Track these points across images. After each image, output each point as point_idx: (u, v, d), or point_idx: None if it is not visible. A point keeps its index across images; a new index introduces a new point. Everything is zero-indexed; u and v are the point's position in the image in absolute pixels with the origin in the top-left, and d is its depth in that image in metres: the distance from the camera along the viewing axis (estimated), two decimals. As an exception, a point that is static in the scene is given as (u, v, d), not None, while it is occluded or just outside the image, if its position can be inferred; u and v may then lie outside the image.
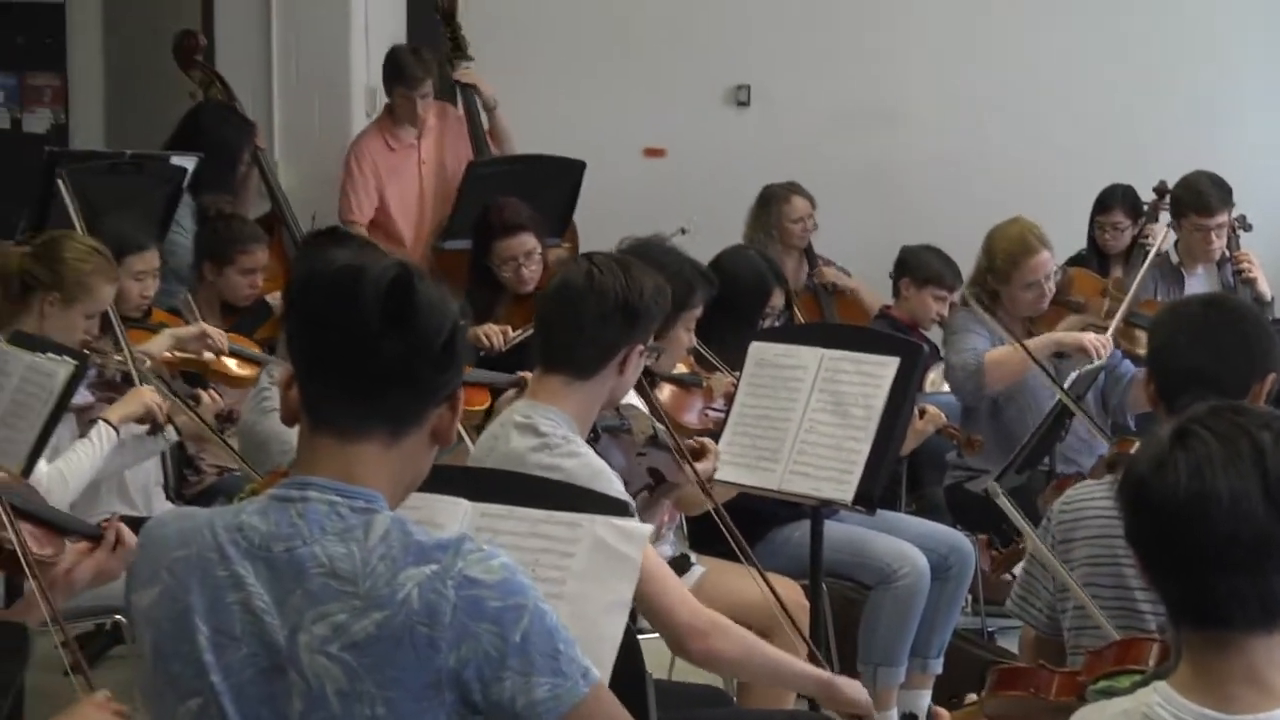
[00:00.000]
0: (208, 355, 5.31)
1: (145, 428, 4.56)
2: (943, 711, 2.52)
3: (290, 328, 2.31)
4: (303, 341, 2.27)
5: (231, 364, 5.44)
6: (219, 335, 5.33)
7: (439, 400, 2.26)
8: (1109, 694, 2.25)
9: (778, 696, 4.24)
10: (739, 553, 3.82)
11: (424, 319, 2.21)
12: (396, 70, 7.17)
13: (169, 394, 4.93)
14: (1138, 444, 2.70)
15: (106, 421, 4.40)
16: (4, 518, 2.77)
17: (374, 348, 2.19)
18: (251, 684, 2.17)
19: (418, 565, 2.15)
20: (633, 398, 3.87)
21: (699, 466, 3.88)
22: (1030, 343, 5.42)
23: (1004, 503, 3.37)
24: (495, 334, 5.73)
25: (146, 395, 4.48)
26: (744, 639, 3.36)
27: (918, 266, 6.32)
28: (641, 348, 3.50)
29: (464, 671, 2.13)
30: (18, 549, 2.77)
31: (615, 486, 3.40)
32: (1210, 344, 3.22)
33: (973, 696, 2.90)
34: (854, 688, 3.36)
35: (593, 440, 3.58)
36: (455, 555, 2.16)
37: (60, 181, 5.06)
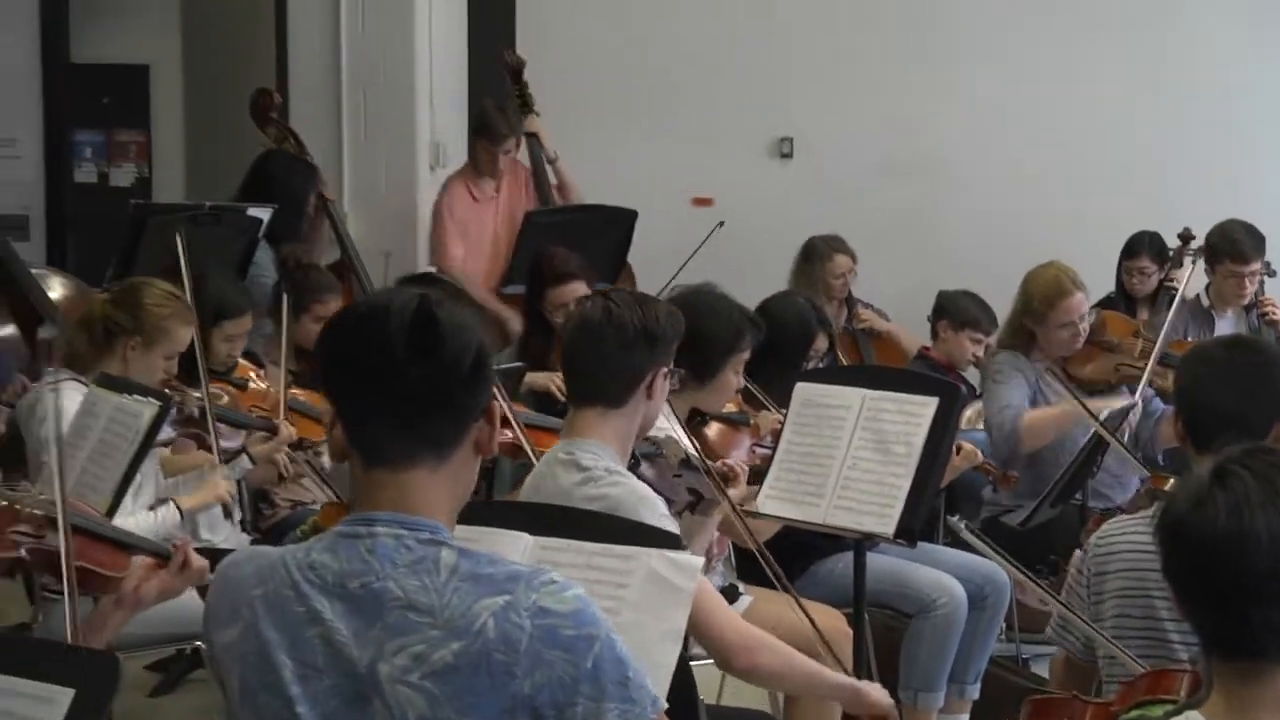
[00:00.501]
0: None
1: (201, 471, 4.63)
2: None
3: (325, 369, 2.30)
4: (338, 381, 2.27)
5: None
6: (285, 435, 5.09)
7: (476, 416, 2.26)
8: (1142, 724, 2.24)
9: (824, 718, 4.22)
10: (775, 581, 3.81)
11: (449, 344, 2.20)
12: (484, 125, 7.21)
13: (246, 425, 4.95)
14: (1172, 480, 2.68)
15: (176, 505, 4.43)
16: (66, 538, 2.75)
17: (406, 378, 2.19)
18: (337, 713, 2.17)
19: (492, 596, 2.14)
20: (667, 427, 3.88)
21: (732, 492, 3.88)
22: (1067, 409, 5.40)
23: (971, 538, 3.39)
24: (545, 382, 5.73)
25: (221, 489, 4.52)
26: (784, 653, 3.38)
27: (955, 310, 6.30)
28: (665, 370, 3.52)
29: (538, 697, 2.12)
30: (63, 558, 2.75)
31: (659, 509, 3.41)
32: (1235, 384, 3.20)
33: None
34: (877, 691, 3.41)
35: (632, 466, 3.58)
36: (528, 587, 2.15)
37: (179, 242, 5.05)
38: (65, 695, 1.96)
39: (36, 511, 2.83)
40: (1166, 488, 2.69)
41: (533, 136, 7.38)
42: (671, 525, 3.41)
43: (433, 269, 7.13)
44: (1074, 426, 5.38)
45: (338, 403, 2.26)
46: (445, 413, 2.23)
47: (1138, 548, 3.12)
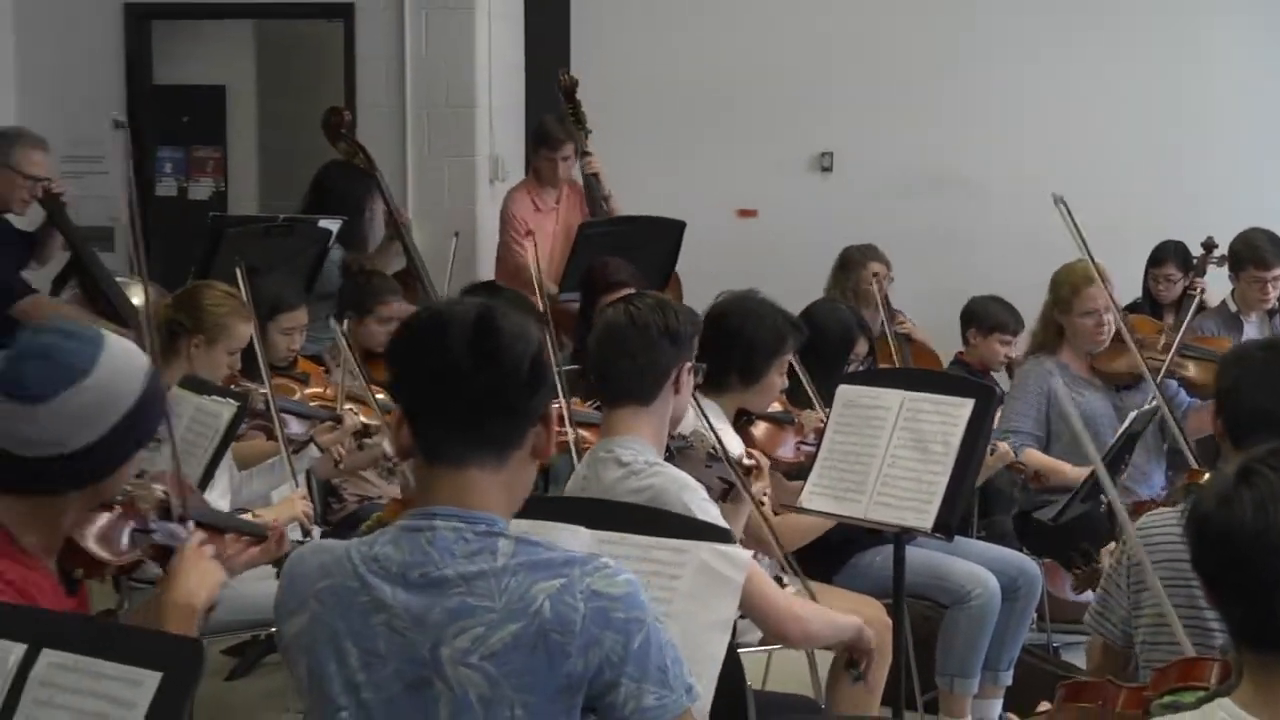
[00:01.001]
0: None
1: (272, 462, 4.66)
2: (1012, 718, 2.49)
3: (393, 372, 2.31)
4: (405, 384, 2.28)
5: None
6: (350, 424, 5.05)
7: (534, 420, 2.27)
8: (1174, 708, 2.21)
9: (865, 704, 4.20)
10: (789, 569, 3.93)
11: (508, 351, 2.21)
12: (542, 135, 7.27)
13: (312, 415, 4.96)
14: (1207, 475, 2.65)
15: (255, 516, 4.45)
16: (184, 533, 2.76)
17: (467, 383, 2.20)
18: (401, 696, 2.18)
19: (548, 579, 2.15)
20: (697, 422, 3.87)
21: (754, 486, 3.88)
22: (1062, 469, 5.37)
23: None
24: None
25: (299, 506, 4.53)
26: (829, 616, 3.56)
27: (984, 316, 6.29)
28: (689, 365, 3.53)
29: (590, 675, 2.14)
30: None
31: (700, 493, 3.43)
32: (1272, 385, 3.17)
33: (1045, 705, 2.84)
34: (869, 633, 3.67)
35: (666, 459, 3.58)
36: (582, 571, 2.17)
37: (240, 277, 5.05)
38: (153, 678, 1.96)
39: (156, 500, 2.80)
40: (1201, 481, 2.66)
41: (592, 175, 7.40)
42: (713, 508, 3.42)
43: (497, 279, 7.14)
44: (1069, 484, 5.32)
45: (404, 404, 2.27)
46: (504, 416, 2.24)
47: (1176, 538, 3.09)
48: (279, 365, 5.24)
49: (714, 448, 3.76)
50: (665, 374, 3.47)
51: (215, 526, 2.97)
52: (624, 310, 3.50)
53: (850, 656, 3.68)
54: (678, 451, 3.72)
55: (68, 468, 2.47)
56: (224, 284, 4.81)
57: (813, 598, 3.80)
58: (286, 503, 4.54)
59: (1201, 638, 3.05)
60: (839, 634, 3.69)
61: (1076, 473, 5.24)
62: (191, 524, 2.78)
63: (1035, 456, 5.39)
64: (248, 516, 4.43)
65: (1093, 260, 4.79)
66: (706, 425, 3.83)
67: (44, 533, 2.54)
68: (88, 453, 2.46)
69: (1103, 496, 5.04)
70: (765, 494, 3.93)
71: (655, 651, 2.16)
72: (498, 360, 2.20)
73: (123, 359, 2.53)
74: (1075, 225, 4.49)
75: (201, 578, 2.57)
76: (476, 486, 2.23)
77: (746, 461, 3.94)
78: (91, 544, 2.60)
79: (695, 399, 3.75)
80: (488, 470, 2.23)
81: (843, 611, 3.83)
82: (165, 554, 2.77)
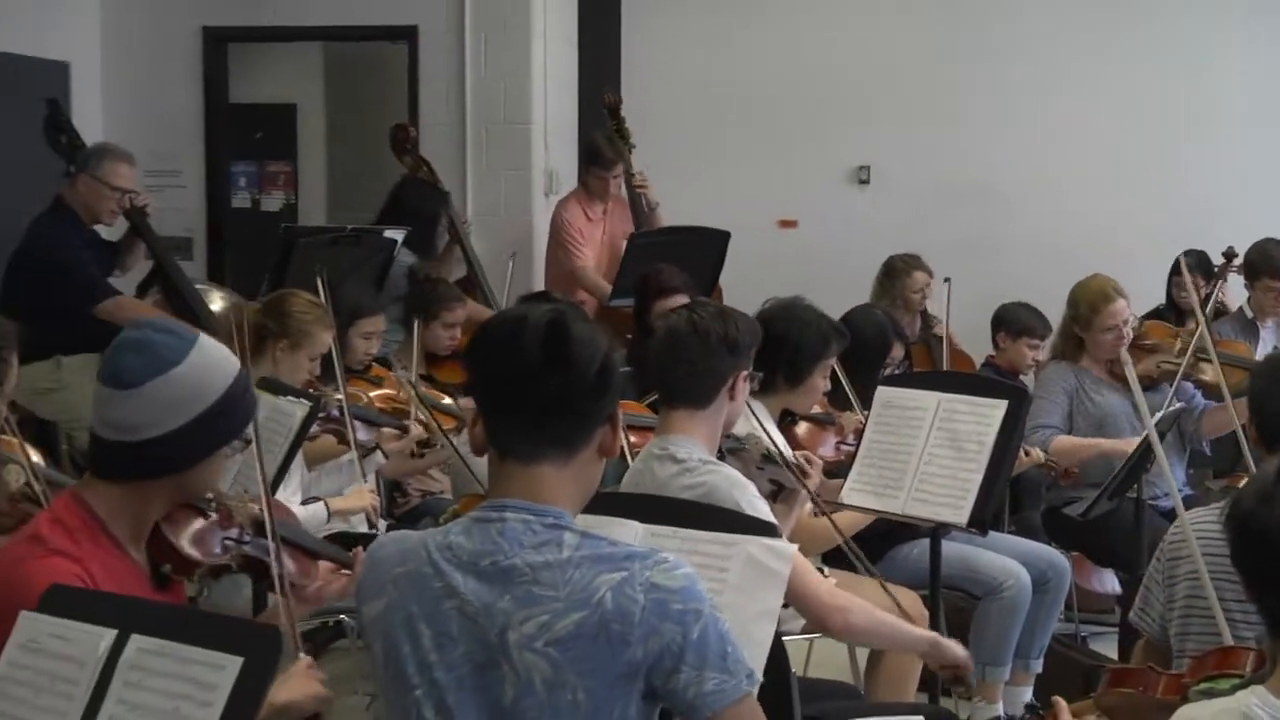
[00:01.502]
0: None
1: (347, 458, 4.66)
2: (1060, 701, 2.47)
3: (470, 373, 2.31)
4: (481, 383, 2.28)
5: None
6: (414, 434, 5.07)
7: (601, 421, 2.27)
8: (1210, 694, 2.19)
9: (901, 689, 4.18)
10: (860, 565, 3.87)
11: (578, 355, 2.21)
12: (595, 156, 7.28)
13: (380, 423, 4.97)
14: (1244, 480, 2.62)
15: (326, 506, 4.46)
16: (272, 551, 2.76)
17: (539, 385, 2.20)
18: (470, 677, 2.18)
19: (610, 572, 2.15)
20: (751, 426, 3.85)
21: (807, 482, 3.86)
22: (1093, 444, 5.34)
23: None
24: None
25: (367, 499, 4.54)
26: (872, 612, 3.39)
27: (1012, 321, 6.27)
28: (745, 373, 3.52)
29: (649, 663, 2.13)
30: (275, 578, 2.76)
31: (751, 490, 3.41)
32: None
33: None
34: (954, 646, 3.38)
35: (718, 459, 3.57)
36: (643, 565, 2.16)
37: (320, 284, 5.07)
38: (235, 662, 1.96)
39: (250, 517, 2.81)
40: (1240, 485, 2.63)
41: (639, 189, 7.40)
42: (763, 505, 3.41)
43: (547, 287, 7.15)
44: (1099, 459, 5.28)
45: (480, 403, 2.27)
46: (572, 416, 2.24)
47: (1206, 538, 3.06)
48: (355, 369, 5.25)
49: (768, 451, 3.74)
50: (722, 380, 3.46)
51: (307, 550, 2.99)
52: (687, 317, 3.48)
53: (951, 675, 3.41)
54: (730, 452, 3.71)
55: (154, 452, 2.49)
56: (309, 294, 4.83)
57: (883, 590, 3.76)
58: (356, 494, 4.57)
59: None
60: (902, 643, 3.54)
61: (1110, 444, 5.24)
62: (287, 560, 2.78)
63: (1064, 442, 5.34)
64: (320, 506, 4.46)
65: (1208, 325, 4.71)
66: (763, 431, 3.81)
67: (132, 522, 2.56)
68: (172, 439, 2.49)
69: (1131, 492, 5.01)
70: (817, 492, 3.91)
71: (715, 639, 2.16)
72: (568, 364, 2.20)
73: (214, 357, 2.56)
74: (1195, 284, 4.42)
75: (303, 689, 2.50)
76: (546, 482, 2.23)
77: (799, 460, 3.92)
78: (182, 541, 2.62)
79: (749, 404, 3.74)
80: (557, 466, 2.24)
81: (880, 602, 3.80)
82: (254, 565, 2.77)
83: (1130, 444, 5.03)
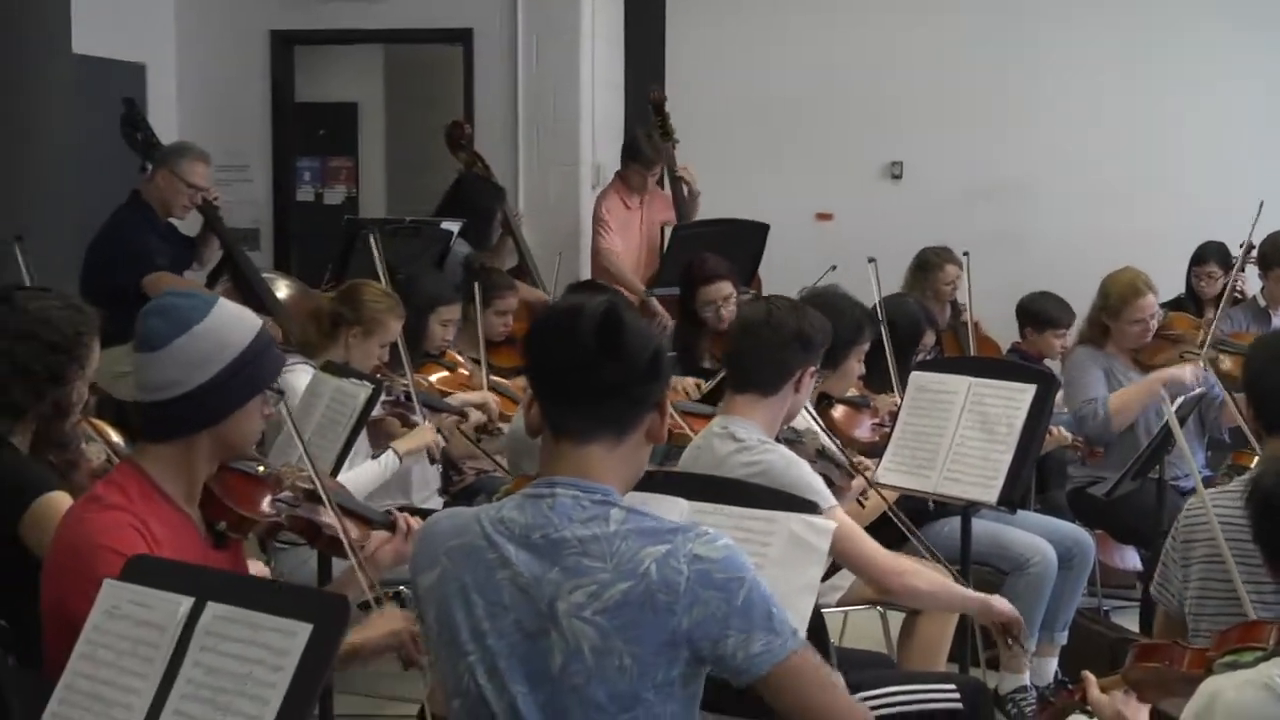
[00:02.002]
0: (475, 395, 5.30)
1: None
2: (1089, 676, 2.44)
3: (528, 358, 2.32)
4: (538, 368, 2.29)
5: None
6: (493, 407, 5.19)
7: (650, 407, 2.27)
8: (1233, 667, 2.17)
9: (933, 659, 4.16)
10: (912, 537, 3.85)
11: (631, 344, 2.21)
12: (635, 153, 7.26)
13: (442, 408, 4.98)
14: (1256, 458, 2.59)
15: (395, 452, 4.45)
16: (335, 515, 2.82)
17: (593, 370, 2.20)
18: (521, 644, 2.19)
19: (655, 544, 2.15)
20: (810, 422, 3.84)
21: (856, 481, 3.87)
22: (1145, 382, 5.28)
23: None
24: (691, 387, 5.69)
25: (429, 435, 4.53)
26: (929, 575, 3.42)
27: (1037, 314, 6.21)
28: (813, 370, 3.49)
29: (695, 631, 2.13)
30: (343, 540, 2.81)
31: (806, 469, 3.40)
32: None
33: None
34: (1006, 605, 3.39)
35: None
36: (685, 538, 2.17)
37: (373, 244, 5.11)
38: (304, 629, 1.97)
39: (300, 484, 2.86)
40: (1251, 463, 2.60)
41: (679, 178, 7.38)
42: (819, 481, 3.40)
43: (592, 275, 7.15)
44: (1156, 394, 5.23)
45: (536, 387, 2.27)
46: (624, 402, 2.24)
47: (1221, 517, 3.02)
48: (431, 354, 5.27)
49: (823, 447, 3.73)
50: (790, 373, 3.44)
51: (356, 514, 3.01)
52: (765, 309, 3.46)
53: (1005, 635, 3.41)
54: (787, 443, 3.69)
55: (188, 407, 2.53)
56: (382, 285, 4.84)
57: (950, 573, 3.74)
58: (418, 431, 4.56)
59: (1238, 606, 2.99)
60: (957, 604, 3.53)
61: (1164, 374, 5.22)
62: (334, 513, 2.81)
63: (1118, 398, 5.27)
64: (389, 454, 4.45)
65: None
66: (820, 428, 3.79)
67: (183, 480, 2.59)
68: (203, 392, 2.52)
69: (1153, 472, 4.97)
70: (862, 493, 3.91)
71: (759, 602, 2.16)
72: (621, 352, 2.20)
73: (233, 313, 2.61)
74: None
75: (380, 627, 2.64)
76: (596, 462, 2.24)
77: (854, 460, 3.92)
78: (235, 499, 2.66)
79: (809, 404, 3.72)
80: (607, 448, 2.24)
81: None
82: (306, 527, 2.80)
83: (1182, 370, 5.05)
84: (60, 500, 2.92)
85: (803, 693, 2.19)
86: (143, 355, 2.54)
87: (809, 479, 3.34)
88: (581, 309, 2.23)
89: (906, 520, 3.81)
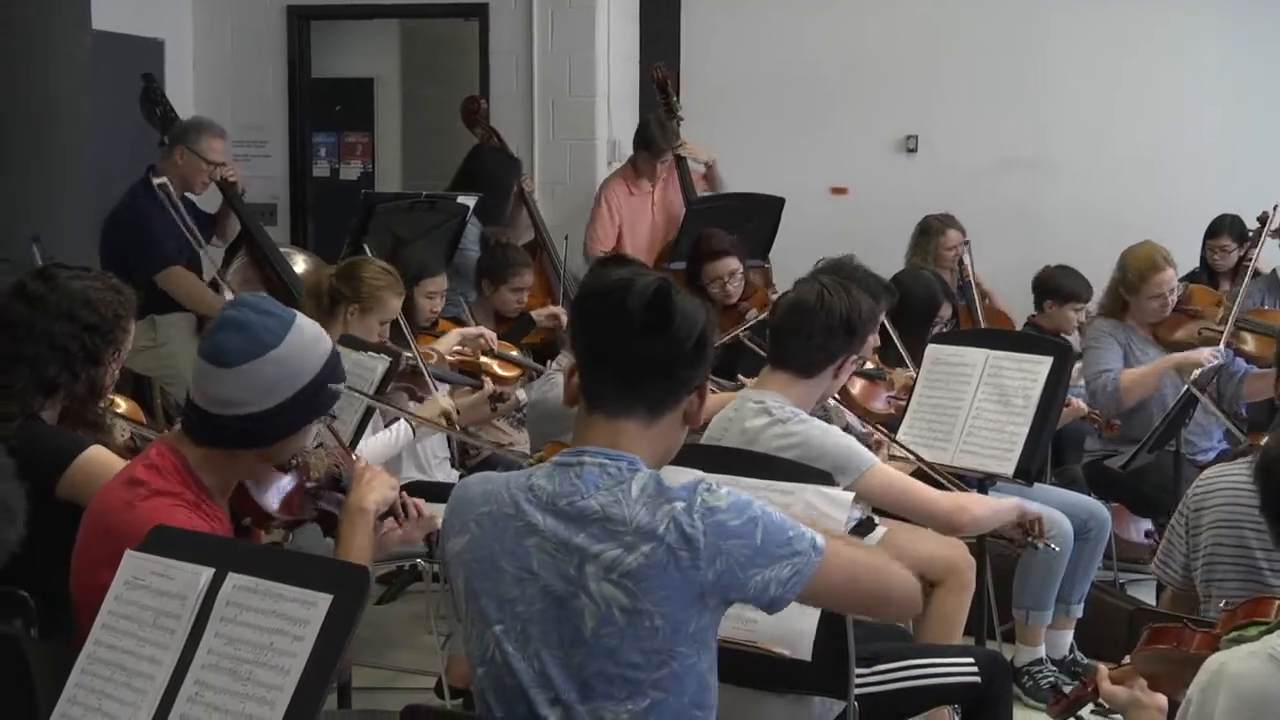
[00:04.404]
0: (483, 359, 5.34)
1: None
2: (1101, 667, 2.43)
3: (574, 327, 2.31)
4: (584, 338, 2.28)
5: (496, 365, 5.47)
6: (491, 336, 5.38)
7: (690, 389, 2.26)
8: (1239, 642, 2.16)
9: (948, 633, 4.15)
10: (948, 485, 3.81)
11: (679, 324, 2.21)
12: (646, 141, 7.23)
13: (453, 380, 4.97)
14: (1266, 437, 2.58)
15: (410, 423, 4.45)
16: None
17: (638, 344, 2.20)
18: (550, 609, 2.20)
19: (669, 503, 2.17)
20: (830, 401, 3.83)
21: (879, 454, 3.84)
22: (1158, 364, 5.27)
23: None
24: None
25: (442, 404, 4.52)
26: (983, 500, 3.50)
27: (1058, 287, 6.17)
28: (854, 357, 3.47)
29: (721, 580, 2.15)
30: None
31: (846, 438, 3.39)
32: None
33: None
34: (1033, 507, 3.53)
35: None
36: (694, 492, 2.18)
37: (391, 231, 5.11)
38: (325, 599, 1.97)
39: (327, 470, 2.83)
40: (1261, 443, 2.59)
41: (681, 158, 7.37)
42: (856, 442, 3.39)
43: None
44: (1165, 380, 5.22)
45: (580, 355, 2.27)
46: (665, 380, 2.24)
47: (1234, 487, 3.02)
48: (422, 326, 5.26)
49: (848, 424, 3.73)
50: (831, 359, 3.43)
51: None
52: (817, 291, 3.42)
53: (1026, 532, 3.56)
54: None
55: (245, 428, 2.50)
56: (381, 261, 4.83)
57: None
58: (432, 401, 4.56)
59: (1251, 574, 3.00)
60: (1005, 515, 3.57)
61: (1175, 358, 5.20)
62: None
63: (1130, 375, 5.26)
64: (402, 424, 4.43)
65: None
66: (840, 405, 3.79)
67: (219, 478, 2.58)
68: (264, 417, 2.49)
69: (1170, 445, 4.95)
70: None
71: (775, 533, 2.17)
72: (669, 330, 2.20)
73: (310, 338, 2.55)
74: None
75: (371, 487, 2.59)
76: (627, 436, 2.24)
77: (877, 437, 3.91)
78: (263, 498, 2.65)
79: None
80: (641, 424, 2.24)
81: (929, 549, 3.78)
82: (329, 520, 2.79)
83: (1196, 354, 5.01)
84: (100, 453, 2.92)
85: (844, 588, 2.25)
86: (212, 368, 2.48)
87: (848, 443, 3.34)
88: (633, 283, 2.22)
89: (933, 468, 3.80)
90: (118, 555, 2.16)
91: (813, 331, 3.37)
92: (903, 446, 3.81)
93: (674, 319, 2.20)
